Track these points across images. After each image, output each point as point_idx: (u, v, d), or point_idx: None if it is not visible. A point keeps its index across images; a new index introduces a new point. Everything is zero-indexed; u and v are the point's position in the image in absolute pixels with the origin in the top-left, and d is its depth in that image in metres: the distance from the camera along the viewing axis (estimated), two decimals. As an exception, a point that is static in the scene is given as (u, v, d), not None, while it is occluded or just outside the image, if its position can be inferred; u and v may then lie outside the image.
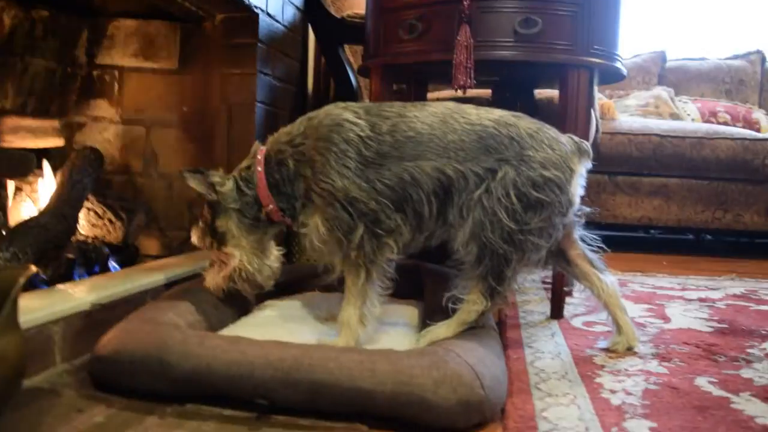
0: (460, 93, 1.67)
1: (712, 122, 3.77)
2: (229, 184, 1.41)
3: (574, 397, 1.14)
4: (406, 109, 1.34)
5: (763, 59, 4.32)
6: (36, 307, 1.20)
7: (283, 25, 2.35)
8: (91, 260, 1.78)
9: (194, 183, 1.40)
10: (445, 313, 1.33)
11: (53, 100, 2.09)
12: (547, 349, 1.45)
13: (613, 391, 1.18)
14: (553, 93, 2.47)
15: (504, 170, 1.27)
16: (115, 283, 1.46)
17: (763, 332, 1.66)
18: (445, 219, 1.30)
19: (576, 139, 1.41)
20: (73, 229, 1.70)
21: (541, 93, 2.47)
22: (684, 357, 1.42)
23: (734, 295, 2.19)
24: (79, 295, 1.34)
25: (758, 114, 3.96)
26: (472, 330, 1.26)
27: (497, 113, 1.35)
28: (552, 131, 1.36)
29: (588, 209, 1.47)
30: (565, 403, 1.11)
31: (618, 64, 1.81)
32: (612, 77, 1.91)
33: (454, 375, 0.99)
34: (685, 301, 2.07)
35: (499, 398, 1.04)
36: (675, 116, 3.83)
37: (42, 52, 2.00)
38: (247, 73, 2.13)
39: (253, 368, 1.01)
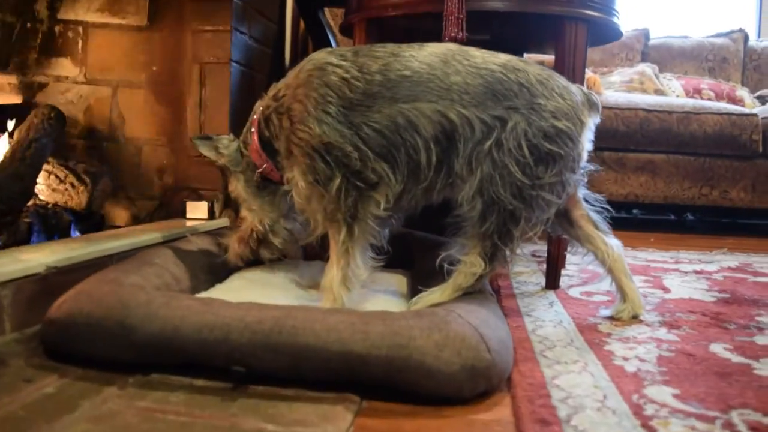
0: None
1: (697, 99, 3.71)
2: (233, 147, 1.37)
3: (585, 364, 1.04)
4: (401, 48, 1.22)
5: (746, 38, 4.27)
6: (-19, 268, 1.06)
7: (260, -17, 2.20)
8: (51, 226, 1.63)
9: (204, 149, 1.38)
10: (437, 281, 1.22)
11: (11, 57, 1.92)
12: (547, 318, 1.34)
13: (625, 359, 1.08)
14: (543, 57, 2.37)
15: (514, 120, 1.15)
16: (74, 247, 1.32)
17: (768, 302, 1.58)
18: (449, 170, 1.17)
19: (585, 90, 1.30)
20: (30, 191, 1.55)
21: (530, 58, 2.36)
22: (692, 325, 1.33)
23: (729, 268, 2.12)
24: (33, 257, 1.20)
25: (742, 92, 3.90)
26: (469, 294, 1.15)
27: (504, 57, 1.23)
28: (562, 79, 1.25)
29: (593, 167, 1.37)
30: (576, 371, 1.00)
31: (615, 20, 1.71)
32: (608, 35, 1.80)
33: (458, 337, 0.88)
34: (681, 273, 1.99)
35: (506, 363, 0.93)
36: (660, 92, 3.76)
37: (-1, 3, 1.84)
38: (221, 30, 1.98)
39: (228, 330, 0.88)
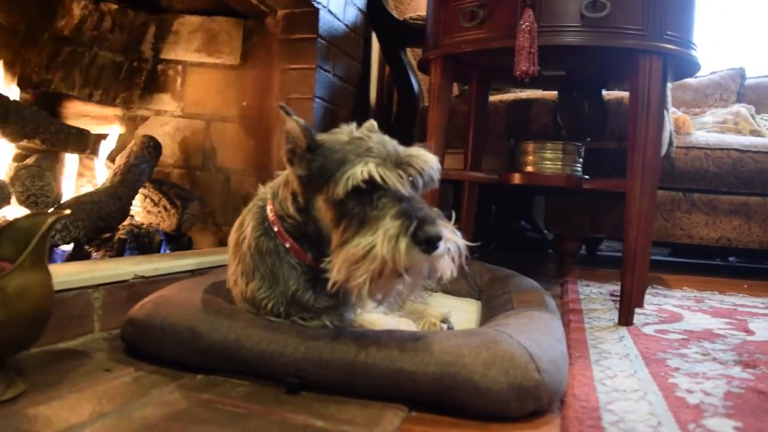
0: (522, 94, 1.52)
1: (799, 141, 3.51)
2: None
3: (645, 393, 1.01)
4: None
5: None
6: (76, 271, 1.17)
7: (345, 24, 2.33)
8: (144, 245, 1.77)
9: None
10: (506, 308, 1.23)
11: (119, 93, 2.13)
12: (614, 350, 1.31)
13: (689, 391, 1.04)
14: (623, 94, 2.34)
15: None
16: (161, 260, 1.43)
17: None
18: None
19: None
20: (126, 210, 1.69)
21: (609, 94, 2.35)
22: (772, 366, 1.26)
23: (828, 316, 1.97)
24: (122, 265, 1.31)
25: None
26: (529, 312, 1.15)
27: None
28: None
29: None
30: (634, 399, 0.98)
31: (693, 53, 1.68)
32: (687, 69, 1.77)
33: (506, 356, 0.88)
34: (770, 318, 1.88)
35: (557, 384, 0.93)
36: (756, 133, 3.59)
37: (109, 45, 2.05)
38: (306, 68, 2.11)
39: (284, 344, 0.94)
